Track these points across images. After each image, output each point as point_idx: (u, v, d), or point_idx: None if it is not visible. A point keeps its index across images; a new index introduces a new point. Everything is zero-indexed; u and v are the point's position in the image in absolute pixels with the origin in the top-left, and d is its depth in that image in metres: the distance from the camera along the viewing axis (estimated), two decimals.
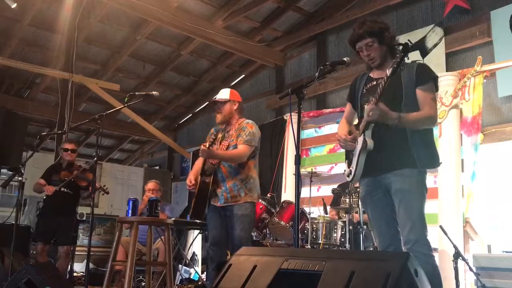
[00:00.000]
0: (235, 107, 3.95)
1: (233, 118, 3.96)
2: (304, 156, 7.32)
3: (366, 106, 2.78)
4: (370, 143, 2.78)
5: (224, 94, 3.96)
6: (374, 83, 2.90)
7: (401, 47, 2.63)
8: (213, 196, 3.84)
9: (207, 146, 3.65)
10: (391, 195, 2.81)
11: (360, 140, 2.83)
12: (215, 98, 3.96)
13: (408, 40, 2.69)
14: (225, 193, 3.79)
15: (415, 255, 2.54)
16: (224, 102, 3.93)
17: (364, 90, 2.99)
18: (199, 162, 4.04)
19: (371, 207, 2.95)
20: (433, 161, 2.84)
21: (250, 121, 3.97)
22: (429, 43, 5.96)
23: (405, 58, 2.67)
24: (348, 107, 3.21)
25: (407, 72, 2.80)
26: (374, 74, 2.99)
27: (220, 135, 4.00)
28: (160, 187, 6.16)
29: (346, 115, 3.21)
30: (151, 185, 6.10)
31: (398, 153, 2.77)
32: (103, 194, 5.65)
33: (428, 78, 2.83)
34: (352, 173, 2.90)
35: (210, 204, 3.86)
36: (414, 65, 2.86)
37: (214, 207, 3.85)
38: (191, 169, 4.07)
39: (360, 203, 4.72)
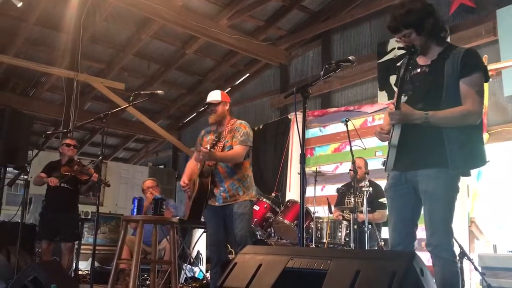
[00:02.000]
0: (226, 108, 4.02)
1: (225, 119, 4.01)
2: (309, 155, 7.31)
3: (402, 97, 2.60)
4: (395, 139, 2.59)
5: (215, 96, 4.03)
6: (419, 70, 2.69)
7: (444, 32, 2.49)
8: (210, 196, 3.89)
9: (209, 148, 3.65)
10: (418, 194, 2.64)
11: (391, 133, 2.65)
12: (208, 101, 4.00)
13: (444, 27, 2.59)
14: (224, 193, 3.84)
15: (437, 259, 2.47)
16: (217, 103, 3.98)
17: (408, 77, 2.68)
18: (192, 163, 4.09)
19: (391, 200, 2.79)
20: (473, 161, 2.58)
21: (243, 121, 4.03)
22: None
23: (411, 61, 2.57)
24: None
25: (451, 61, 2.53)
26: (420, 60, 2.72)
27: (211, 137, 4.03)
28: (157, 183, 6.17)
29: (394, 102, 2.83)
30: (149, 183, 6.10)
31: (428, 150, 2.56)
32: (103, 187, 5.66)
33: (474, 69, 2.52)
34: (385, 163, 2.73)
35: (208, 205, 3.91)
36: (461, 53, 2.54)
37: (211, 207, 3.90)
38: (184, 172, 4.09)
39: (365, 202, 4.72)
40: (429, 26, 2.56)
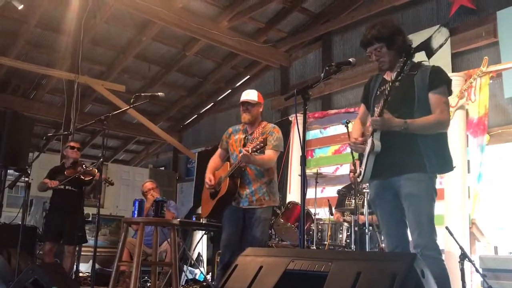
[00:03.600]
0: (260, 110, 4.02)
1: (257, 120, 4.00)
2: (309, 157, 7.31)
3: (376, 108, 2.78)
4: (378, 145, 2.76)
5: (253, 95, 3.97)
6: (387, 85, 2.86)
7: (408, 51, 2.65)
8: (236, 197, 3.86)
9: (250, 151, 3.55)
10: (401, 198, 2.80)
11: (369, 142, 2.82)
12: (245, 99, 3.94)
13: (409, 46, 2.75)
14: (250, 195, 3.81)
15: (425, 259, 2.55)
16: (254, 103, 3.95)
17: (378, 92, 2.97)
18: (215, 160, 4.08)
19: (380, 209, 2.95)
20: (445, 166, 2.81)
21: (275, 125, 4.02)
22: (435, 44, 5.94)
23: (408, 63, 2.70)
24: (362, 108, 3.19)
25: (421, 75, 2.78)
26: (387, 76, 2.96)
27: (240, 136, 4.00)
28: (156, 185, 6.18)
29: (360, 116, 3.19)
30: (148, 185, 6.12)
31: (408, 156, 2.76)
32: (107, 186, 5.66)
33: (441, 82, 2.79)
34: (362, 174, 2.90)
35: (230, 205, 3.87)
36: (428, 69, 2.82)
37: (233, 208, 3.86)
38: (208, 168, 4.06)
39: (365, 204, 4.72)
40: (399, 42, 2.84)
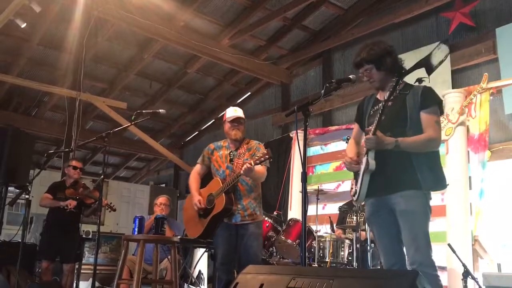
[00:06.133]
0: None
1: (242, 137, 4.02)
2: (310, 174, 7.30)
3: (369, 128, 2.83)
4: (372, 164, 2.80)
5: (241, 112, 4.01)
6: (381, 105, 2.91)
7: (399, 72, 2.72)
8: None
9: (253, 164, 3.55)
10: (396, 215, 2.83)
11: (364, 161, 2.86)
12: (237, 115, 3.96)
13: (401, 66, 2.86)
14: (242, 210, 3.79)
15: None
16: (243, 120, 4.00)
17: (371, 111, 3.03)
18: (197, 179, 4.04)
19: (376, 226, 2.99)
20: (438, 184, 2.85)
21: (259, 142, 4.07)
22: (435, 61, 5.97)
23: (400, 82, 2.77)
24: (356, 128, 3.24)
25: (412, 95, 2.84)
26: (380, 96, 3.02)
27: (224, 152, 4.00)
28: (170, 203, 6.13)
29: (354, 135, 3.24)
30: (162, 199, 6.04)
31: (402, 174, 2.80)
32: (110, 211, 5.63)
33: (432, 102, 2.86)
34: (357, 193, 2.93)
35: (222, 222, 3.85)
36: (420, 89, 2.88)
37: (225, 224, 3.82)
38: (192, 187, 4.01)
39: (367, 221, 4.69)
40: (387, 63, 2.91)
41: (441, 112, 2.94)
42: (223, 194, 3.76)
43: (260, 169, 3.80)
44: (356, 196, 2.96)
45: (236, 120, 3.94)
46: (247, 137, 4.09)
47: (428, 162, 2.81)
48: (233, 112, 3.98)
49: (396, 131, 2.80)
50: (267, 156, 3.56)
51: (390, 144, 2.74)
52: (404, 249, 2.84)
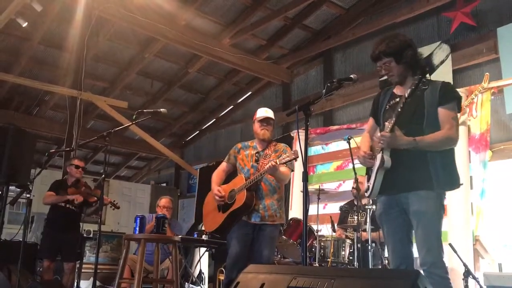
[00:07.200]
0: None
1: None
2: (311, 173, 7.29)
3: (386, 123, 2.75)
4: (388, 161, 2.74)
5: (271, 113, 4.03)
6: (398, 99, 2.86)
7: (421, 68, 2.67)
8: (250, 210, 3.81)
9: (278, 163, 3.54)
10: (409, 215, 2.78)
11: (378, 157, 2.80)
12: (267, 115, 3.98)
13: (425, 65, 2.78)
14: (263, 210, 3.77)
15: (432, 277, 2.56)
16: (273, 121, 4.01)
17: (387, 106, 2.96)
18: (220, 175, 4.03)
19: (387, 224, 2.92)
20: (452, 183, 2.79)
21: (287, 145, 4.05)
22: (436, 60, 5.97)
23: (423, 80, 2.68)
24: (370, 122, 3.16)
25: (431, 90, 2.77)
26: (397, 90, 2.96)
27: (250, 152, 3.99)
28: (172, 205, 6.12)
29: (368, 129, 3.16)
30: (165, 201, 6.03)
31: (416, 173, 2.74)
32: (113, 209, 5.63)
33: (451, 98, 2.78)
34: (370, 189, 2.87)
35: (240, 219, 3.81)
36: (438, 84, 2.81)
37: (244, 223, 3.79)
38: (213, 181, 4.00)
39: (368, 220, 4.69)
40: (407, 56, 2.83)
41: (459, 109, 2.85)
42: (245, 190, 3.74)
43: (285, 170, 3.77)
44: (368, 192, 2.90)
45: (265, 120, 3.96)
46: (248, 136, 4.08)
47: (443, 161, 2.75)
48: (263, 112, 4.01)
49: (413, 128, 2.74)
50: (293, 157, 3.53)
51: (407, 144, 2.69)
52: (416, 250, 2.80)
